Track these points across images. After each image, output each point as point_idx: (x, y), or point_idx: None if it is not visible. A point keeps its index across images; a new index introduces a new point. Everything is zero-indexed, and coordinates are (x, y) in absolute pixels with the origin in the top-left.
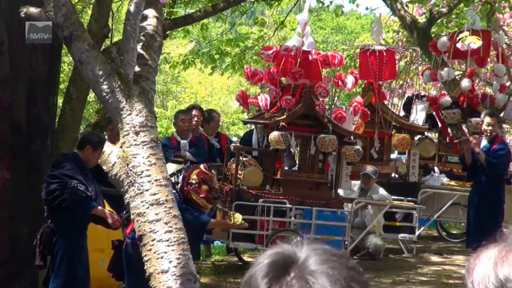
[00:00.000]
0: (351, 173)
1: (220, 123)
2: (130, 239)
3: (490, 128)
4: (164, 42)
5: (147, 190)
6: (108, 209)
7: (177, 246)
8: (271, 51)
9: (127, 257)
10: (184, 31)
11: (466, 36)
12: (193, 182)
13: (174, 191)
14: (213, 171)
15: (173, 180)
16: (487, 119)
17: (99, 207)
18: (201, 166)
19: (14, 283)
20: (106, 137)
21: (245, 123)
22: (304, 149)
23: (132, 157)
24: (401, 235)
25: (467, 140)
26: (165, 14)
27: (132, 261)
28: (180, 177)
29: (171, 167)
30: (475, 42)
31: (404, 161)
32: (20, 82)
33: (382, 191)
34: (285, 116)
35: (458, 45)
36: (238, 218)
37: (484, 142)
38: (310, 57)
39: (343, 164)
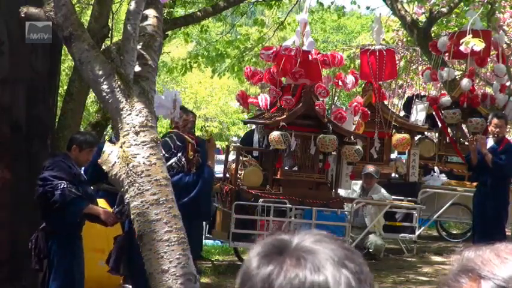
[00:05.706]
0: (351, 173)
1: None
2: None
3: (497, 129)
4: (164, 43)
5: (147, 190)
6: (105, 206)
7: (177, 246)
8: (271, 51)
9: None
10: (184, 34)
11: (469, 39)
12: None
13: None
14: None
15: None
16: (495, 120)
17: (91, 205)
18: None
19: (14, 283)
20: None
21: (245, 123)
22: (304, 149)
23: (132, 157)
24: (401, 235)
25: (474, 139)
26: (165, 14)
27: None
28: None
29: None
30: (478, 45)
31: (404, 161)
32: (20, 82)
33: (383, 191)
34: (285, 116)
35: (462, 47)
36: None
37: (490, 143)
38: (310, 57)
39: (343, 164)
